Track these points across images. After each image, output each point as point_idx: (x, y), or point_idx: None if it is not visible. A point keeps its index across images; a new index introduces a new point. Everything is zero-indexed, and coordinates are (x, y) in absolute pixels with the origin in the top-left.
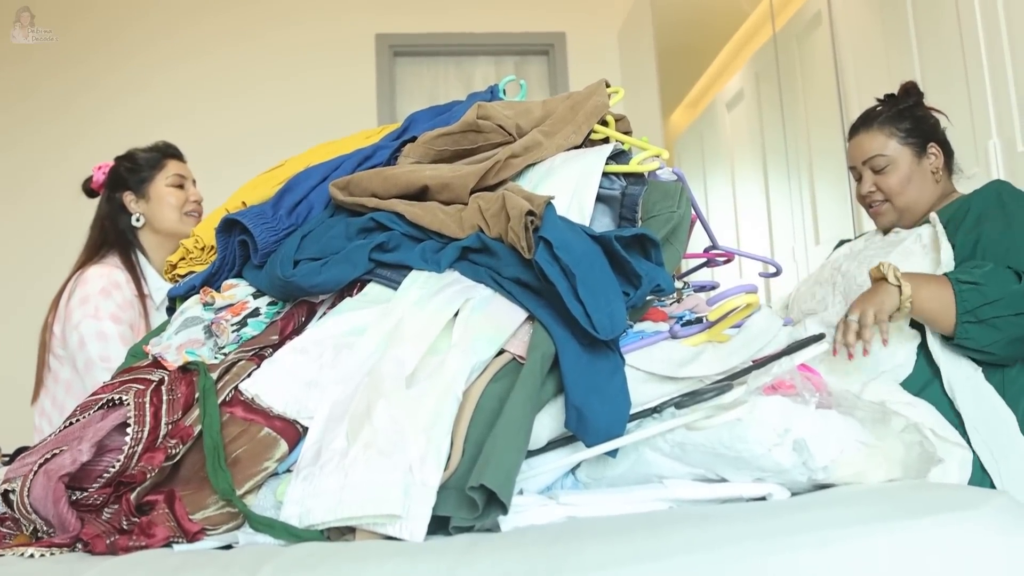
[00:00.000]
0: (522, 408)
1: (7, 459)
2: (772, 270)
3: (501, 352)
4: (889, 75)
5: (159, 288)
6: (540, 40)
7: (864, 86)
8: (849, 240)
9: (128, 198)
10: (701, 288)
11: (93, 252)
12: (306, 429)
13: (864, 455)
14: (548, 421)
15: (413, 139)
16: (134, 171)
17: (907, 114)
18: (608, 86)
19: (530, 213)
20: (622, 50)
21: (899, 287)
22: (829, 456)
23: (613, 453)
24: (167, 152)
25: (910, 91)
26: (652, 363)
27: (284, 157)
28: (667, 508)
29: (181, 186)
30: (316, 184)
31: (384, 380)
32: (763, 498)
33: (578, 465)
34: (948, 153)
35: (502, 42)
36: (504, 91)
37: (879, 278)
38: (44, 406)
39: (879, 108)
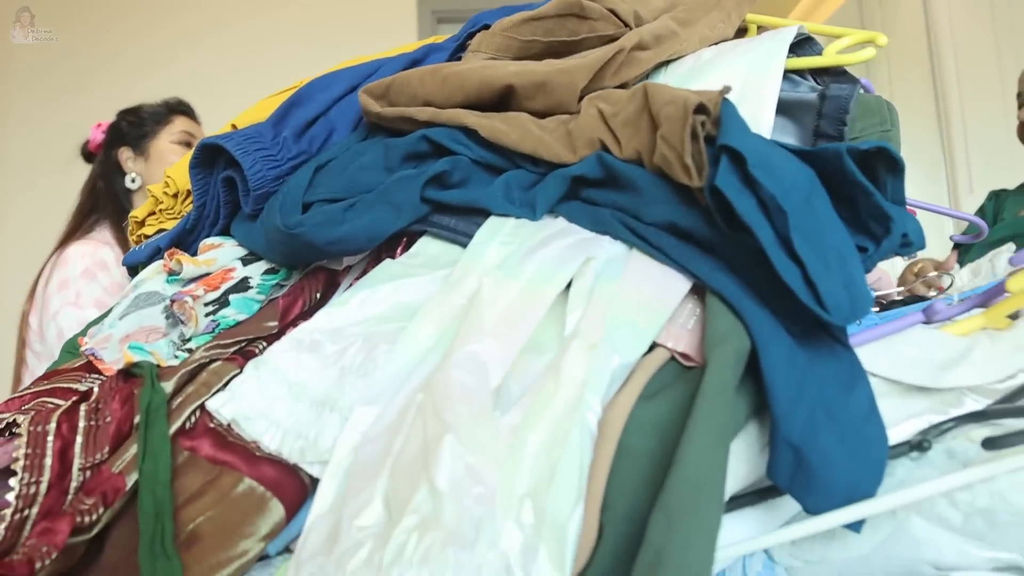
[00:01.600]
0: (712, 453)
1: None
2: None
3: (653, 347)
4: (995, 30)
5: None
6: None
7: (963, 46)
8: (1006, 191)
9: (125, 155)
10: None
11: (81, 220)
12: (316, 482)
13: None
14: (731, 462)
15: (486, 27)
16: (136, 125)
17: None
18: None
19: (700, 109)
20: None
21: None
22: None
23: (857, 526)
24: (177, 108)
25: None
26: (899, 365)
27: None
28: None
29: (189, 144)
30: (341, 95)
31: (452, 400)
32: None
33: None
34: None
35: None
36: None
37: None
38: None
39: None
